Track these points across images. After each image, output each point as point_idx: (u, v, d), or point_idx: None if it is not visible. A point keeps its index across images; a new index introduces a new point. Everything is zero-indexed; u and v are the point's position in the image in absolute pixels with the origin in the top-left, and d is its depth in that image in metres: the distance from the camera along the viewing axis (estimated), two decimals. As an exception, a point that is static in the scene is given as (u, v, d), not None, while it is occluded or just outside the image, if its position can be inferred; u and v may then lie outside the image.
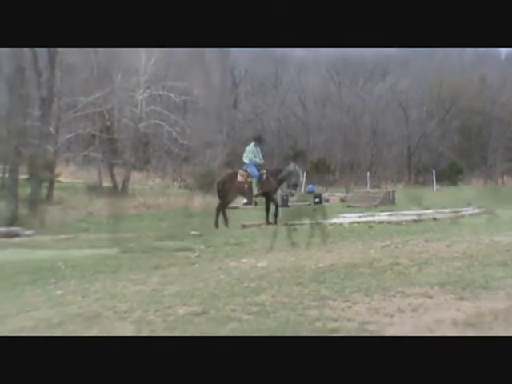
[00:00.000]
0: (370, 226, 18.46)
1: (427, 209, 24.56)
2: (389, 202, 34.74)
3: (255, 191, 21.72)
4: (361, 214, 23.87)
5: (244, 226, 20.75)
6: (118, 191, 54.53)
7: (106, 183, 56.03)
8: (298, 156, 63.43)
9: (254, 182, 21.66)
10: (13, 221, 30.45)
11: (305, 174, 44.53)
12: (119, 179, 56.76)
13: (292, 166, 22.91)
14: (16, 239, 18.81)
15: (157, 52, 57.26)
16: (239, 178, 21.77)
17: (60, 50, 42.61)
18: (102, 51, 56.43)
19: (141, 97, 57.22)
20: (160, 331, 6.69)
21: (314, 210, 30.49)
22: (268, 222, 21.21)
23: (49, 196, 45.92)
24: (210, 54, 71.82)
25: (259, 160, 22.13)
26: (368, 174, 59.71)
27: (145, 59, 57.38)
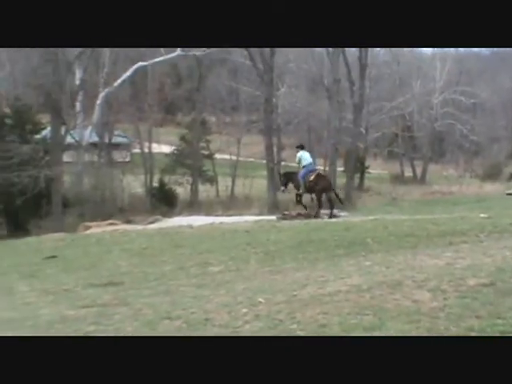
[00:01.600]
0: None
1: None
2: None
3: None
4: None
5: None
6: (417, 180, 54.34)
7: (407, 173, 56.05)
8: None
9: None
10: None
11: None
12: (418, 170, 56.81)
13: None
14: (334, 219, 19.29)
15: (450, 61, 56.76)
16: None
17: (369, 62, 43.29)
18: (403, 63, 56.79)
19: (436, 100, 56.88)
20: (452, 299, 6.54)
21: None
22: None
23: (360, 185, 46.67)
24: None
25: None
26: None
27: (440, 68, 57.01)
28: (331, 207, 21.68)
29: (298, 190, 22.29)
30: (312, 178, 21.51)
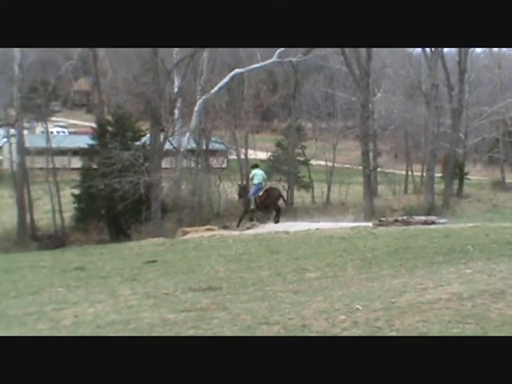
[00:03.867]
0: None
1: None
2: None
3: None
4: None
5: None
6: (520, 187, 52.45)
7: (508, 180, 54.13)
8: None
9: None
10: (430, 210, 30.89)
11: None
12: (520, 176, 54.72)
13: None
14: (432, 226, 18.94)
15: None
16: None
17: (469, 66, 42.24)
18: (505, 67, 55.03)
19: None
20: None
21: None
22: None
23: (459, 191, 45.50)
24: None
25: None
26: None
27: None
28: (278, 212, 24.26)
29: (248, 206, 24.55)
30: (261, 193, 23.98)
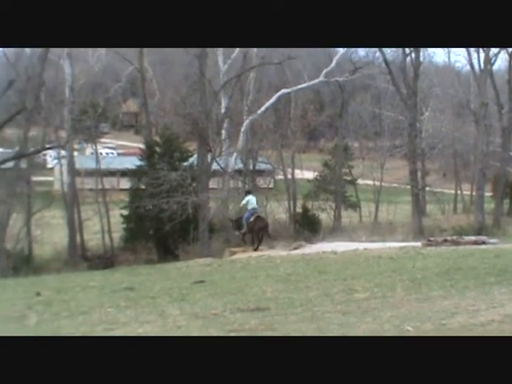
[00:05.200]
0: None
1: None
2: None
3: None
4: None
5: None
6: None
7: None
8: None
9: None
10: (480, 230, 30.40)
11: None
12: None
13: None
14: (483, 246, 18.65)
15: None
16: None
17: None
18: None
19: None
20: None
21: None
22: None
23: (510, 210, 44.67)
24: None
25: None
26: None
27: None
28: (260, 241, 25.00)
29: (241, 230, 25.60)
30: (251, 219, 24.82)
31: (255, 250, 24.37)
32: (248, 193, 26.98)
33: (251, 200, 25.75)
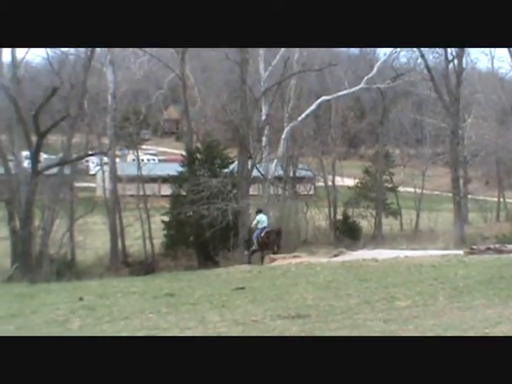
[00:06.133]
0: None
1: None
2: None
3: None
4: None
5: None
6: None
7: None
8: None
9: None
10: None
11: None
12: None
13: None
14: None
15: None
16: None
17: None
18: None
19: None
20: None
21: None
22: None
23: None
24: None
25: None
26: None
27: None
28: (278, 247, 25.57)
29: (249, 249, 25.98)
30: (263, 235, 25.27)
31: (274, 253, 24.90)
32: (259, 212, 27.10)
33: (262, 219, 26.12)
